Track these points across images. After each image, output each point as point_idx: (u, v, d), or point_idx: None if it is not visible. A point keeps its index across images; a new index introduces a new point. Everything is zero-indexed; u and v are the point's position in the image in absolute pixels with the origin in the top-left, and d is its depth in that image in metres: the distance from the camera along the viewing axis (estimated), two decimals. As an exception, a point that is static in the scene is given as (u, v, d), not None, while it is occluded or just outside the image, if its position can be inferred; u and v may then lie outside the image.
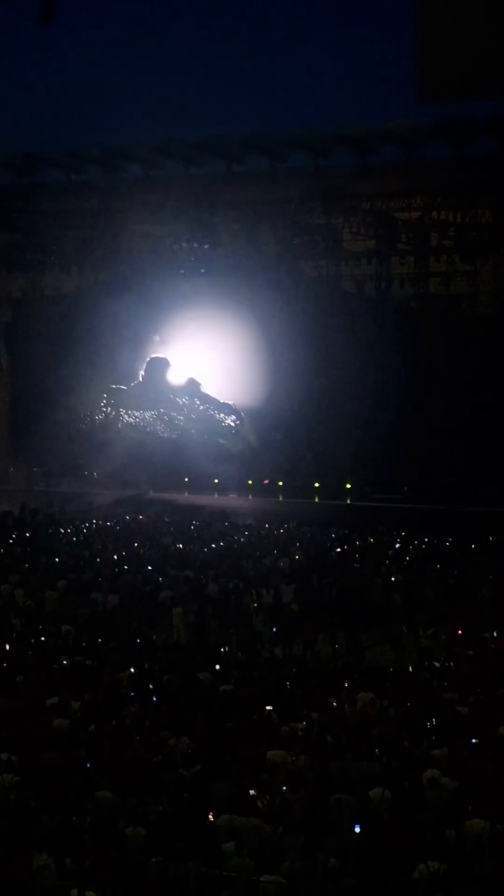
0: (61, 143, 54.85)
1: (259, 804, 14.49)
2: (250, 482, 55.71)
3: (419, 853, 12.30)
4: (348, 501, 53.26)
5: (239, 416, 59.94)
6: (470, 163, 48.30)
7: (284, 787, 15.02)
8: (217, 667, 23.02)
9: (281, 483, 55.57)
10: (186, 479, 56.50)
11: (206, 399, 60.89)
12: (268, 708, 19.02)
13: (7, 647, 24.78)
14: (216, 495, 55.09)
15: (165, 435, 61.28)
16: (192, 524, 46.88)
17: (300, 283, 56.86)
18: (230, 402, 59.99)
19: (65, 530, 44.77)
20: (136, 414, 61.73)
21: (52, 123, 60.94)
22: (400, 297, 55.35)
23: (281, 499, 54.50)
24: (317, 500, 54.40)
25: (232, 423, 60.17)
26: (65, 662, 22.98)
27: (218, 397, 60.50)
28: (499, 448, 51.34)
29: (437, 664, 24.86)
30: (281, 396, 60.21)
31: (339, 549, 40.59)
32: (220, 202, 53.53)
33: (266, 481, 55.27)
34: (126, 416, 61.72)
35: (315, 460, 56.21)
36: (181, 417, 61.54)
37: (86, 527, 45.83)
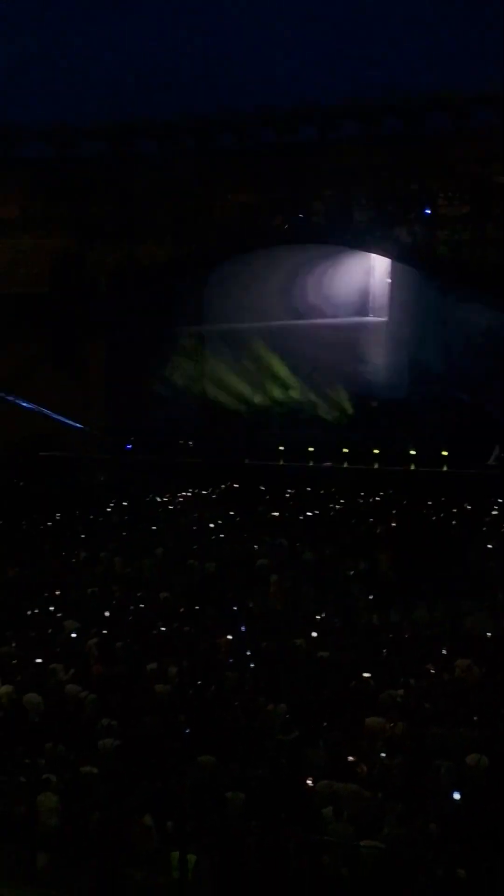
0: (156, 112, 54.43)
1: (358, 770, 14.54)
2: (345, 450, 55.45)
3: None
4: (444, 469, 52.78)
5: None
6: None
7: (383, 754, 15.05)
8: (314, 634, 23.05)
9: (377, 451, 55.19)
10: (281, 448, 56.36)
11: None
12: (365, 675, 19.02)
13: (106, 614, 25.05)
14: (311, 463, 54.93)
15: (259, 402, 61.32)
16: (288, 492, 46.85)
17: (395, 249, 56.40)
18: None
19: (162, 499, 45.04)
20: (229, 382, 61.81)
21: (146, 93, 60.76)
22: (495, 263, 54.55)
23: (377, 466, 54.15)
24: (413, 467, 53.96)
25: (328, 391, 59.99)
26: (163, 629, 23.19)
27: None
28: None
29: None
30: (376, 363, 60.06)
31: (435, 517, 40.31)
32: (313, 170, 53.25)
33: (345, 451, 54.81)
34: (218, 385, 61.83)
35: (410, 429, 55.82)
36: (277, 387, 61.50)
37: (182, 495, 46.05)
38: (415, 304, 59.09)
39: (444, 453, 52.08)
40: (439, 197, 53.67)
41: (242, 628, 23.65)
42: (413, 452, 53.46)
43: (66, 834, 13.93)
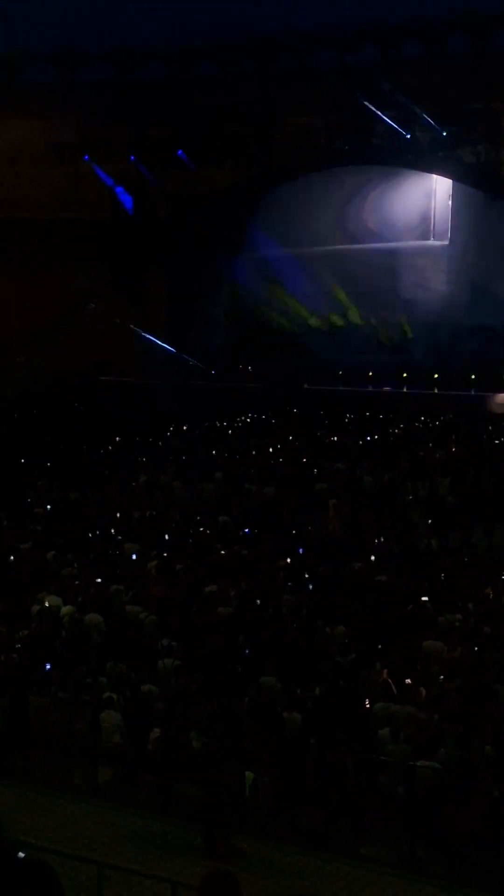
0: (214, 34, 53.76)
1: (415, 693, 14.66)
2: (405, 374, 55.29)
3: None
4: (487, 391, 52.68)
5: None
6: None
7: (441, 677, 15.15)
8: (372, 558, 23.13)
9: (437, 375, 54.96)
10: (340, 373, 56.21)
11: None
12: (423, 599, 19.10)
13: (167, 537, 25.29)
14: (370, 388, 54.81)
15: (318, 326, 61.20)
16: (347, 416, 46.75)
17: (459, 170, 55.60)
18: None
19: (221, 423, 45.15)
20: (287, 306, 61.67)
21: (203, 15, 59.98)
22: None
23: (436, 391, 53.90)
24: (473, 392, 53.69)
25: (388, 315, 59.68)
26: (222, 552, 23.38)
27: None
28: None
29: None
30: (436, 287, 59.47)
31: (496, 441, 40.10)
32: (376, 91, 52.42)
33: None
34: (277, 310, 61.70)
35: (470, 353, 55.47)
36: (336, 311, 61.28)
37: (241, 420, 46.14)
38: (477, 227, 58.24)
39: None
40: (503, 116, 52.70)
41: (301, 551, 23.78)
42: (473, 377, 53.21)
43: (127, 751, 14.22)
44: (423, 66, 50.98)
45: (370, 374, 55.50)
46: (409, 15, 50.33)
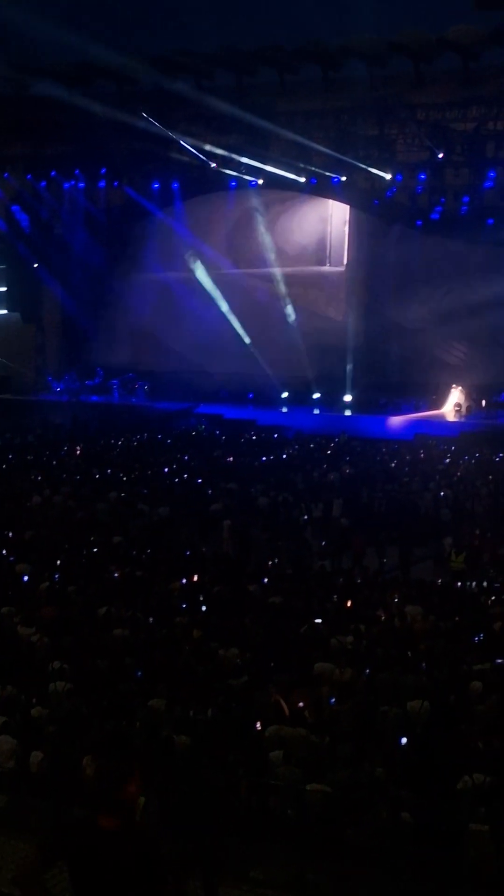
0: (113, 53, 53.56)
1: (307, 715, 14.69)
2: (286, 395, 56.35)
3: (465, 765, 12.44)
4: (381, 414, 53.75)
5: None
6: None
7: (332, 699, 15.21)
8: (266, 579, 23.20)
9: (317, 395, 56.14)
10: (251, 396, 56.92)
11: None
12: (316, 620, 19.19)
13: (60, 557, 25.08)
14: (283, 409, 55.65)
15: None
16: (243, 437, 46.98)
17: (355, 195, 56.31)
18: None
19: (116, 442, 45.03)
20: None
21: (104, 33, 60.04)
22: (454, 208, 54.65)
23: (348, 413, 54.80)
24: (348, 413, 54.84)
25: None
26: (116, 574, 23.26)
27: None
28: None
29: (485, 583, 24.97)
30: (331, 312, 60.04)
31: (388, 463, 40.56)
32: (272, 113, 52.79)
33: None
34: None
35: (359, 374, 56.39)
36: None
37: (137, 439, 46.07)
38: (373, 252, 59.00)
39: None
40: (398, 142, 53.44)
41: (195, 573, 23.77)
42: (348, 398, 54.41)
43: (21, 776, 14.03)
44: (319, 90, 51.47)
45: (284, 395, 56.26)
46: (307, 39, 50.69)
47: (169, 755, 13.19)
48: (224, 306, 60.32)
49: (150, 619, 19.41)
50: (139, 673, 16.42)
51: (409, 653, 17.46)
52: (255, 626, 19.10)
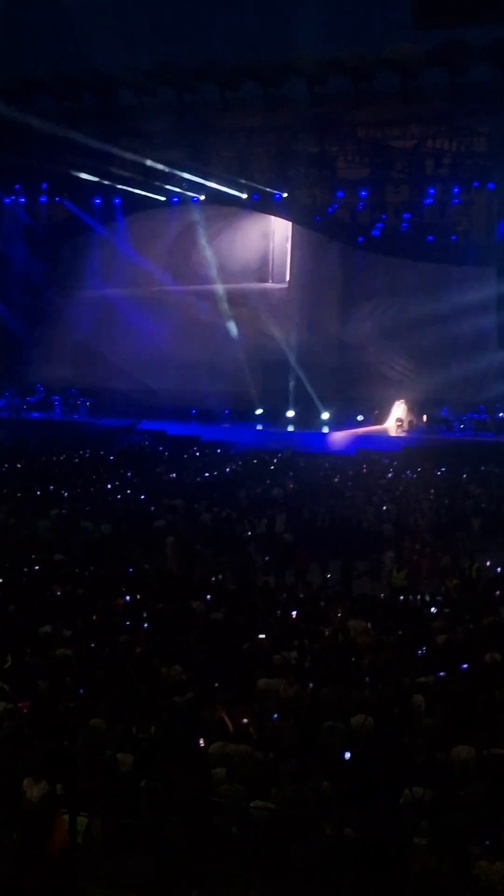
0: (55, 68, 53.44)
1: (250, 731, 14.65)
2: (226, 412, 56.55)
3: (408, 779, 12.46)
4: (325, 430, 54.03)
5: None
6: (466, 90, 47.80)
7: (275, 715, 15.18)
8: (209, 596, 23.13)
9: (260, 411, 56.39)
10: (194, 412, 56.98)
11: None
12: (260, 636, 19.15)
13: (0, 576, 24.85)
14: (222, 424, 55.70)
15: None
16: (186, 453, 46.94)
17: (296, 212, 56.61)
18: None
19: (57, 459, 44.79)
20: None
21: (44, 47, 59.87)
22: (394, 225, 55.10)
23: (291, 429, 54.96)
24: (291, 428, 55.11)
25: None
26: (58, 592, 23.09)
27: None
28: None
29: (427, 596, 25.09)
30: (273, 329, 60.22)
31: (331, 478, 40.69)
32: (214, 130, 52.96)
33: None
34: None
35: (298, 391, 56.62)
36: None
37: (79, 455, 45.86)
38: (315, 269, 59.32)
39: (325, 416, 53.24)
40: (339, 159, 53.77)
41: (138, 590, 23.66)
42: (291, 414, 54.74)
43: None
44: (260, 107, 51.65)
45: (226, 412, 56.38)
46: (248, 56, 50.87)
47: (112, 775, 13.09)
48: (166, 322, 60.31)
49: (93, 638, 19.27)
50: (81, 691, 16.30)
51: (352, 667, 17.47)
52: (199, 642, 19.03)
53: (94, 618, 20.75)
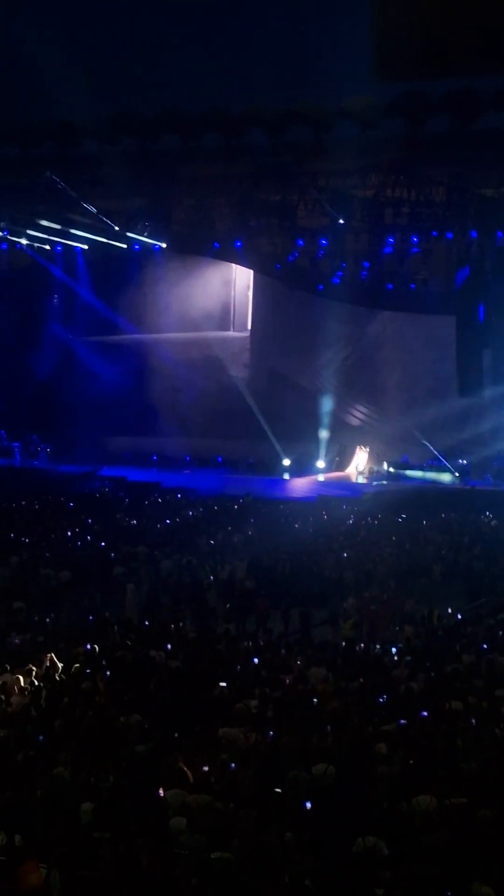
0: (16, 117, 53.71)
1: (211, 780, 14.55)
2: (188, 458, 56.73)
3: (367, 828, 12.39)
4: (286, 476, 54.27)
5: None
6: (424, 141, 48.41)
7: (233, 764, 15.07)
8: (169, 645, 23.02)
9: (221, 458, 56.60)
10: (155, 458, 57.09)
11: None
12: (221, 685, 19.06)
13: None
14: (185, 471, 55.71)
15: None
16: (147, 500, 46.85)
17: (255, 258, 56.95)
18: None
19: (18, 505, 44.57)
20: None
21: (7, 97, 60.15)
22: (354, 273, 55.53)
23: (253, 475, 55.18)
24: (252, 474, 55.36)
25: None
26: (17, 640, 22.93)
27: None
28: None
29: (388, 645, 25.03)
30: (235, 375, 60.48)
31: (292, 525, 40.69)
32: (175, 178, 53.30)
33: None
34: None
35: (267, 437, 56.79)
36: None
37: (39, 502, 45.66)
38: (276, 317, 59.72)
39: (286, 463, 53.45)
40: (299, 208, 54.19)
41: (97, 638, 23.52)
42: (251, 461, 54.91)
43: None
44: (220, 156, 52.01)
45: (188, 459, 56.51)
46: (208, 106, 51.32)
47: (71, 825, 12.94)
48: (127, 368, 60.46)
49: (52, 686, 19.13)
50: (41, 738, 16.16)
51: (313, 716, 17.41)
52: (159, 691, 18.92)
53: (54, 665, 20.60)
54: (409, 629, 26.29)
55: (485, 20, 7.10)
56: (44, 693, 18.59)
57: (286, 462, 55.44)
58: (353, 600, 28.95)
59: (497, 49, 7.15)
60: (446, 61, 7.76)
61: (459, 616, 27.82)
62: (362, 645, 25.16)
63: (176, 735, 16.28)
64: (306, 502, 47.24)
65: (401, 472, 53.38)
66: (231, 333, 62.65)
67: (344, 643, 25.18)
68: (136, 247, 57.55)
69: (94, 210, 53.28)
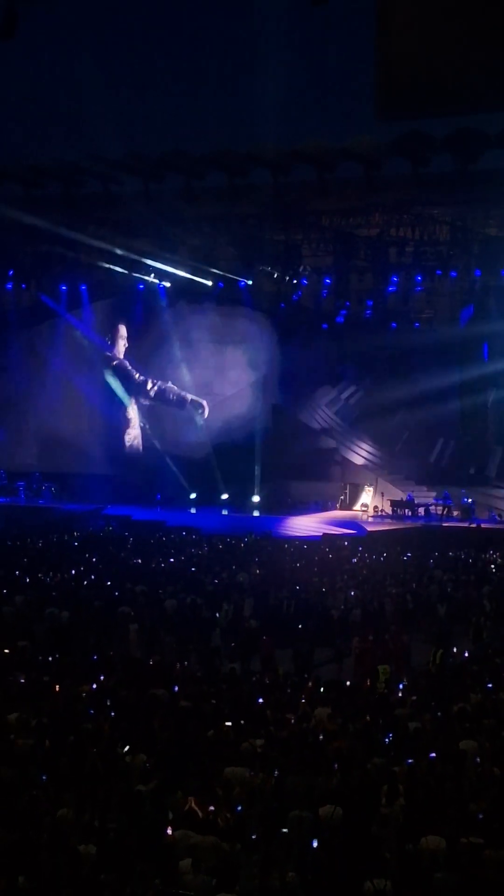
0: (21, 156, 54.08)
1: (218, 821, 14.44)
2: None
3: (374, 869, 12.28)
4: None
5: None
6: (428, 180, 48.61)
7: (240, 805, 14.97)
8: (175, 686, 22.90)
9: (226, 496, 56.64)
10: (159, 498, 57.13)
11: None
12: (226, 724, 18.96)
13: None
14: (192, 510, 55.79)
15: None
16: (152, 539, 46.80)
17: (259, 297, 57.20)
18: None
19: (22, 544, 44.53)
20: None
21: (11, 136, 60.67)
22: (358, 312, 55.75)
23: (257, 514, 55.12)
24: (256, 513, 55.35)
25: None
26: (21, 679, 22.83)
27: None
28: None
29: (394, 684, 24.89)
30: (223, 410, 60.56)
31: (297, 563, 40.59)
32: (179, 218, 53.54)
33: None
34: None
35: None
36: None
37: (43, 541, 45.60)
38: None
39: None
40: (304, 247, 54.44)
41: (102, 677, 23.42)
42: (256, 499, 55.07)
43: None
44: (225, 196, 52.24)
45: (192, 496, 56.59)
46: (213, 146, 51.62)
47: (76, 866, 12.83)
48: (132, 408, 60.61)
49: (57, 725, 19.02)
50: (44, 777, 16.06)
51: (319, 755, 17.29)
52: (164, 730, 18.81)
53: (58, 706, 20.51)
54: (416, 668, 26.16)
55: (487, 57, 7.13)
56: (48, 732, 18.48)
57: (290, 500, 55.59)
58: (359, 639, 28.79)
59: (499, 86, 7.17)
60: (448, 99, 7.78)
61: (466, 654, 27.71)
62: (367, 683, 25.00)
63: (181, 775, 16.16)
64: (311, 540, 47.14)
65: (406, 510, 53.32)
66: (236, 372, 62.78)
67: (349, 682, 25.04)
68: (141, 286, 57.80)
69: (99, 250, 53.60)
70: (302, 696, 22.14)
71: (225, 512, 55.66)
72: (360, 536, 48.16)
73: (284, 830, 13.95)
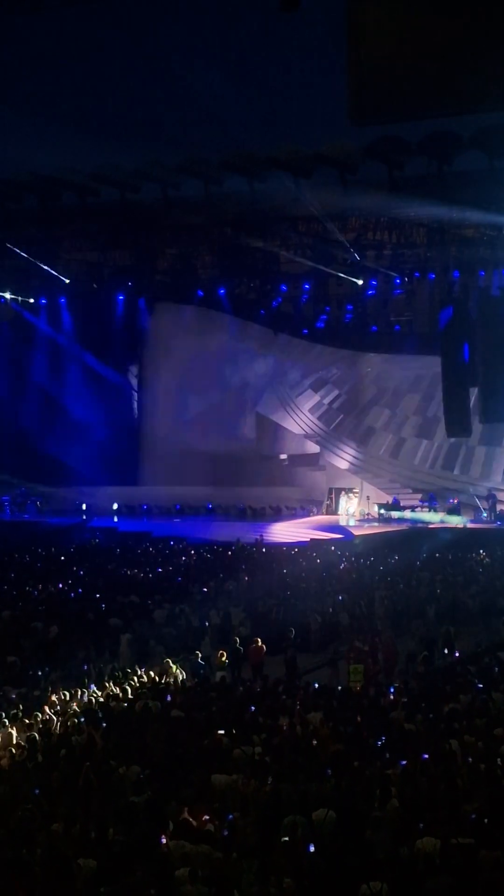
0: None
1: (212, 829, 14.41)
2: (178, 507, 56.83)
3: (370, 872, 12.27)
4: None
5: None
6: (404, 183, 48.56)
7: (235, 813, 14.94)
8: (168, 695, 22.89)
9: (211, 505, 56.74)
10: (146, 507, 57.06)
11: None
12: (219, 732, 18.93)
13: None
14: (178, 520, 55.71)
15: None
16: (139, 549, 46.75)
17: (239, 304, 57.24)
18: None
19: (9, 559, 44.42)
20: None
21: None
22: (338, 317, 55.82)
23: (243, 521, 55.17)
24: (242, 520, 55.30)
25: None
26: (13, 696, 22.81)
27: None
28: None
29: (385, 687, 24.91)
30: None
31: (285, 569, 40.58)
32: (156, 228, 53.45)
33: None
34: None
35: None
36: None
37: (30, 555, 45.51)
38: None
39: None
40: (281, 253, 54.43)
41: (92, 688, 23.41)
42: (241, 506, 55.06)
43: None
44: (201, 204, 52.14)
45: (177, 507, 56.58)
46: (187, 155, 51.50)
47: (72, 880, 12.80)
48: (114, 419, 60.54)
49: (48, 739, 18.99)
50: (37, 791, 16.02)
51: (312, 761, 17.27)
52: (157, 741, 18.79)
53: (49, 718, 20.48)
54: (406, 670, 26.19)
55: (456, 61, 7.17)
56: (40, 747, 18.44)
57: (275, 506, 55.61)
58: (349, 643, 28.81)
59: (468, 89, 7.20)
60: (420, 102, 7.82)
61: (457, 654, 27.76)
62: (358, 687, 24.99)
63: (175, 785, 16.14)
64: (299, 546, 47.11)
65: (391, 513, 53.30)
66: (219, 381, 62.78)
67: (340, 686, 25.04)
68: (121, 296, 57.76)
69: (77, 262, 53.53)
70: (293, 702, 22.13)
71: (210, 518, 55.66)
72: (347, 541, 48.16)
73: (286, 839, 13.89)
